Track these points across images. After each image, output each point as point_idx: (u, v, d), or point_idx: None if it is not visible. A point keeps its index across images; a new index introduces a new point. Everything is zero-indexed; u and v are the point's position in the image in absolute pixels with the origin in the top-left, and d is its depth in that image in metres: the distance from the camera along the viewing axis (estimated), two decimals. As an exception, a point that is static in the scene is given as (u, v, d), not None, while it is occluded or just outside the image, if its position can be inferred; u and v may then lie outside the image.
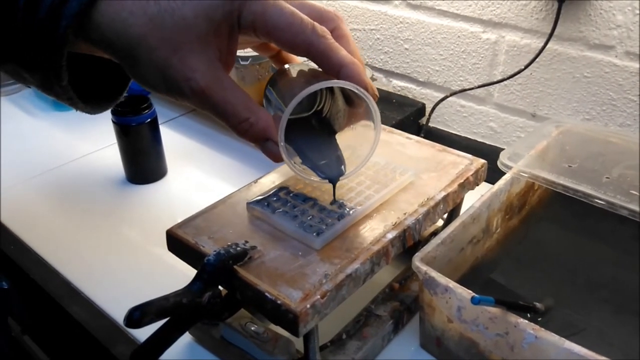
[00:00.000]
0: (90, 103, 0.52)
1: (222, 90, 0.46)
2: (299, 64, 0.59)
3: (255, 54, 0.92)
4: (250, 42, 0.54)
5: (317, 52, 0.48)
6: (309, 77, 0.54)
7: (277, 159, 0.51)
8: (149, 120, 0.96)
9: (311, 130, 0.62)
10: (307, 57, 0.49)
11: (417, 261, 0.59)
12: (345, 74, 0.49)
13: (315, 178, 0.59)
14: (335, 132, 0.62)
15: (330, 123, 0.62)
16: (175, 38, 0.44)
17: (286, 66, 0.58)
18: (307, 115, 0.62)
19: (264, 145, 0.50)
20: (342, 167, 0.60)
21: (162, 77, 0.45)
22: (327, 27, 0.49)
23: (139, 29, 0.43)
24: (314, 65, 0.52)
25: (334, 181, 0.60)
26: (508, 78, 0.94)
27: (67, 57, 0.44)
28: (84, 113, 0.53)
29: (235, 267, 0.54)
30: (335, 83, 0.50)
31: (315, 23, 0.47)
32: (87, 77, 0.52)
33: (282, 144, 0.50)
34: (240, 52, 0.93)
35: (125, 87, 0.56)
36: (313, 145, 0.61)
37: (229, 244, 0.56)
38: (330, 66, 0.49)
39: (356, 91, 0.50)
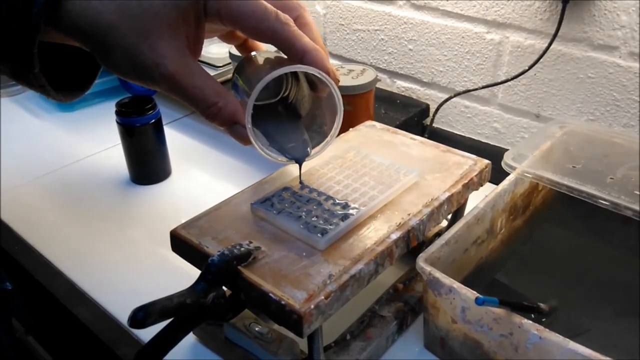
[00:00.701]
0: (62, 91, 0.53)
1: (191, 75, 0.48)
2: (264, 51, 0.61)
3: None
4: (217, 30, 0.56)
5: (280, 38, 0.50)
6: (273, 63, 0.56)
7: (245, 141, 0.53)
8: (153, 121, 0.96)
9: (278, 116, 0.63)
10: (271, 44, 0.50)
11: (421, 262, 0.59)
12: (309, 59, 0.51)
13: (282, 159, 0.61)
14: (301, 117, 0.63)
15: (296, 108, 0.63)
16: (144, 25, 0.45)
17: (252, 54, 0.60)
18: (274, 102, 0.63)
19: (233, 128, 0.52)
20: (308, 149, 0.62)
21: (132, 63, 0.46)
22: (290, 15, 0.51)
23: (109, 16, 0.45)
24: (279, 53, 0.54)
25: (300, 162, 0.62)
26: (512, 79, 0.94)
27: (39, 45, 0.45)
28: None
29: (239, 267, 0.54)
30: (299, 68, 0.51)
31: (278, 11, 0.49)
32: (59, 65, 0.53)
33: (249, 126, 0.52)
34: (235, 52, 0.94)
35: (96, 75, 0.57)
36: (280, 129, 0.62)
37: (233, 244, 0.56)
38: (294, 52, 0.51)
39: (319, 76, 0.52)
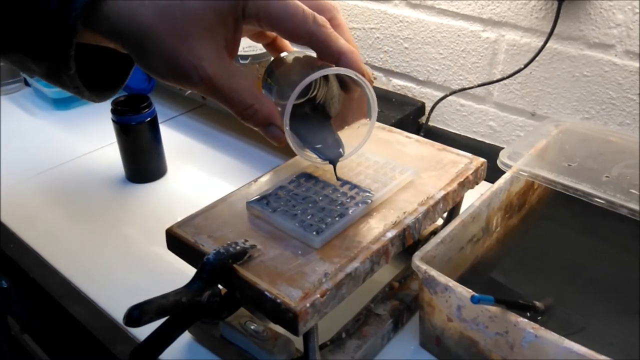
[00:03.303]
0: (94, 91, 0.53)
1: (228, 78, 0.49)
2: (293, 51, 0.61)
3: (254, 53, 0.93)
4: (248, 30, 0.56)
5: (318, 41, 0.51)
6: (305, 64, 0.57)
7: (280, 142, 0.54)
8: (148, 119, 0.96)
9: (306, 116, 0.64)
10: (307, 46, 0.51)
11: (417, 260, 0.59)
12: (344, 61, 0.52)
13: (317, 160, 0.62)
14: (330, 117, 0.64)
15: (325, 108, 0.64)
16: (184, 28, 0.46)
17: (283, 54, 0.61)
18: (301, 103, 0.64)
19: (268, 129, 0.53)
20: (341, 149, 0.63)
21: (170, 66, 0.47)
22: (324, 16, 0.52)
23: (148, 19, 0.45)
24: (308, 52, 0.55)
25: (334, 162, 0.63)
26: (508, 77, 0.94)
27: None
28: (88, 106, 0.54)
29: (234, 266, 0.54)
30: (337, 70, 0.53)
31: (315, 14, 0.50)
32: (91, 66, 0.52)
33: (287, 128, 0.53)
34: (240, 52, 0.94)
35: (127, 74, 0.57)
36: (310, 130, 0.63)
37: (229, 242, 0.56)
38: (330, 54, 0.52)
39: (355, 78, 0.54)
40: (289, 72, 0.58)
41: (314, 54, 0.54)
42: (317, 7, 0.53)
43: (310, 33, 0.50)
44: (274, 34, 0.59)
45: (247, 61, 0.94)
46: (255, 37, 0.60)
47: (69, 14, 0.43)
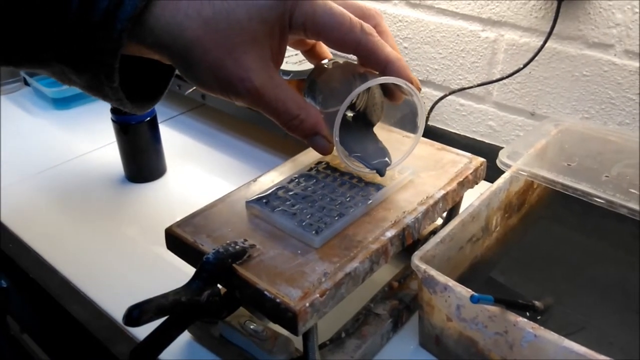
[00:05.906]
0: (135, 102, 0.52)
1: (274, 88, 0.48)
2: (333, 59, 0.61)
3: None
4: (290, 38, 0.55)
5: (365, 49, 0.50)
6: (346, 71, 0.56)
7: (325, 152, 0.54)
8: (148, 118, 0.96)
9: (347, 124, 0.63)
10: (353, 54, 0.51)
11: (417, 260, 0.59)
12: (392, 69, 0.52)
13: (364, 169, 0.62)
14: (372, 125, 0.64)
15: (366, 116, 0.64)
16: (230, 39, 0.45)
17: (324, 62, 0.60)
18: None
19: (313, 139, 0.52)
20: (387, 158, 0.63)
21: (217, 78, 0.46)
22: (369, 23, 0.51)
23: (194, 32, 0.44)
24: (348, 58, 0.55)
25: (381, 172, 0.63)
26: (507, 77, 0.94)
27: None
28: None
29: (234, 265, 0.54)
30: (387, 80, 0.52)
31: (362, 22, 0.49)
32: (132, 76, 0.52)
33: (336, 139, 0.53)
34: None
35: (167, 85, 0.56)
36: (353, 138, 0.63)
37: (228, 242, 0.56)
38: (378, 62, 0.51)
39: (405, 86, 0.54)
40: (331, 80, 0.58)
41: (353, 60, 0.54)
42: (361, 14, 0.52)
43: (357, 42, 0.49)
44: (313, 40, 0.58)
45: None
46: (295, 44, 0.59)
47: (114, 26, 0.42)
